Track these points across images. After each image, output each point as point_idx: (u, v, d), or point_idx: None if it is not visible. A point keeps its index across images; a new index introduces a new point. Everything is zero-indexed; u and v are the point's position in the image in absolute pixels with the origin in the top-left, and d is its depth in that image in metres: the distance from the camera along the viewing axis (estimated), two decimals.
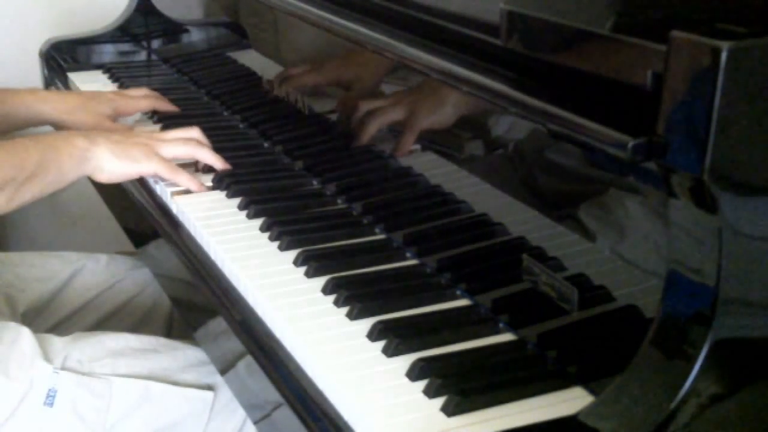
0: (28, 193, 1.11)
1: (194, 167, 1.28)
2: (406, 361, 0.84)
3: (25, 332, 1.11)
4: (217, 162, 1.24)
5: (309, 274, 1.00)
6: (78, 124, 1.36)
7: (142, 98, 1.47)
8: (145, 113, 1.49)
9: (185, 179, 1.20)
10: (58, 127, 1.38)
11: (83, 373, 1.10)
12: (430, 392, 0.79)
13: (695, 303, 0.68)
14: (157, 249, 1.24)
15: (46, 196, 1.14)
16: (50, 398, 1.07)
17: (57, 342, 1.13)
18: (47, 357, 1.09)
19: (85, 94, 1.50)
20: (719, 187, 0.64)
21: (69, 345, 1.13)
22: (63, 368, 1.09)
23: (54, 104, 1.38)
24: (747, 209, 0.66)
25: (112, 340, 1.17)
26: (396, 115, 1.07)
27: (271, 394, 0.87)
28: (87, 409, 1.09)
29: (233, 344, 0.96)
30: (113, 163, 1.17)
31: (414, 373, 0.82)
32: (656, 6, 0.75)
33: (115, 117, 1.42)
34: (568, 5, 0.79)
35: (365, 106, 1.12)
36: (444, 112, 0.99)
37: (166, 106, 1.49)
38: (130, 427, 1.11)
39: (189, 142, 1.23)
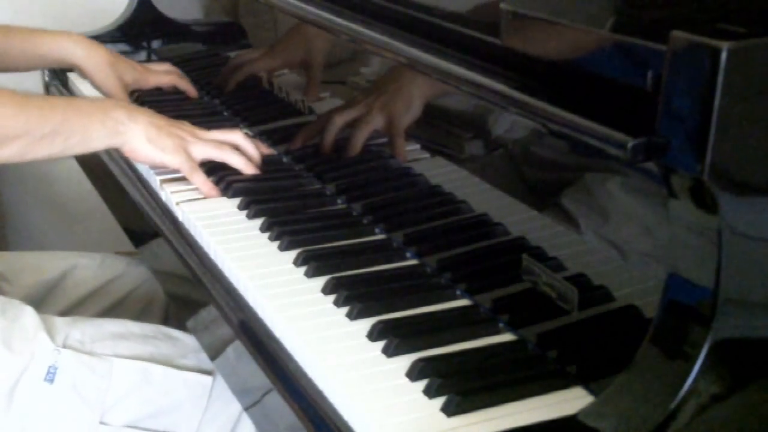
0: (45, 150, 1.13)
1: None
2: (406, 361, 0.84)
3: (28, 310, 1.12)
4: (247, 168, 1.23)
5: (309, 274, 1.00)
6: (98, 80, 1.47)
7: (164, 73, 1.53)
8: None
9: (199, 181, 1.21)
10: (81, 73, 1.50)
11: (84, 352, 1.10)
12: (430, 392, 0.79)
13: (695, 303, 0.68)
14: (157, 249, 1.24)
15: (67, 157, 1.19)
16: (50, 375, 1.08)
17: (58, 321, 1.14)
18: (50, 335, 1.10)
19: (114, 54, 1.54)
20: (719, 187, 0.64)
21: (70, 325, 1.14)
22: (65, 346, 1.10)
23: (86, 52, 1.47)
24: (747, 209, 0.66)
25: (113, 325, 1.18)
26: (375, 124, 1.09)
27: (260, 379, 0.87)
28: (87, 388, 1.09)
29: (223, 331, 0.96)
30: (143, 145, 1.19)
31: (414, 373, 0.82)
32: (656, 6, 0.75)
33: (135, 86, 1.52)
34: (568, 5, 0.79)
35: (340, 120, 1.16)
36: (416, 104, 1.02)
37: (186, 85, 1.54)
38: (129, 407, 1.11)
39: (223, 147, 1.23)
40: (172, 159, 1.20)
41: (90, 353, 1.11)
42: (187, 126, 1.25)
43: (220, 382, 1.14)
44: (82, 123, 1.15)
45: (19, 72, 1.49)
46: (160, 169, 1.25)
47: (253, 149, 1.25)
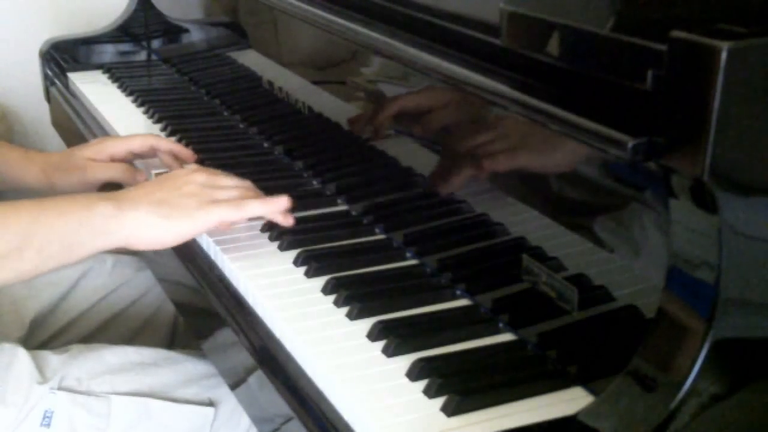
0: (11, 272, 0.91)
1: None
2: (406, 361, 0.84)
3: (21, 354, 1.09)
4: (279, 217, 1.04)
5: (309, 274, 1.00)
6: (66, 182, 1.23)
7: (133, 138, 1.27)
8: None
9: (258, 206, 1.01)
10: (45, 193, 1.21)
11: (81, 392, 1.08)
12: (430, 392, 0.79)
13: (695, 303, 0.68)
14: (157, 253, 1.24)
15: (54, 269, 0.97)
16: (47, 419, 1.05)
17: (54, 360, 1.11)
18: (44, 376, 1.08)
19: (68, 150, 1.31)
20: (719, 187, 0.64)
21: (67, 363, 1.11)
22: (60, 387, 1.07)
23: (40, 162, 1.26)
24: (747, 209, 0.66)
25: (112, 354, 1.15)
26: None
27: (281, 408, 0.86)
28: (85, 429, 1.07)
29: (243, 357, 0.95)
30: (160, 227, 0.97)
31: (414, 373, 0.82)
32: (656, 6, 0.75)
33: (125, 158, 1.27)
34: (568, 5, 0.79)
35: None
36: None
37: (166, 144, 1.28)
38: None
39: (240, 189, 1.03)
40: (207, 217, 0.98)
41: (87, 392, 1.08)
42: (190, 176, 1.03)
43: (222, 411, 1.13)
44: (58, 229, 0.93)
45: None
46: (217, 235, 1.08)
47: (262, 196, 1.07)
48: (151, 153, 1.27)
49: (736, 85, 0.61)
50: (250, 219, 1.07)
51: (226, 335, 0.99)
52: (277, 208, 1.03)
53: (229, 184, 1.04)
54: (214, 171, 1.06)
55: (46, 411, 1.06)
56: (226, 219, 1.00)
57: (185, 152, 1.27)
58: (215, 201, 0.99)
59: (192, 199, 0.99)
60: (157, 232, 0.97)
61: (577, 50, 0.75)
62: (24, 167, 1.26)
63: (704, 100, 0.62)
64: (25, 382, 1.07)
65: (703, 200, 0.65)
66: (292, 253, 1.04)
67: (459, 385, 0.80)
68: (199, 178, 1.02)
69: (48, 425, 1.05)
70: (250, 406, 0.98)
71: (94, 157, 1.25)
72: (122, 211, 0.96)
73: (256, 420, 0.97)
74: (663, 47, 0.64)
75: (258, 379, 0.91)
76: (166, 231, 0.98)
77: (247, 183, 1.07)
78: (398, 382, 0.82)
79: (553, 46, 0.77)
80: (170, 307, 1.42)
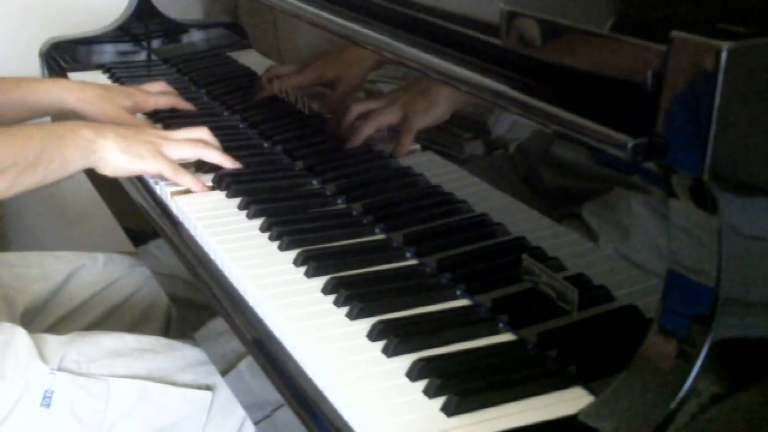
0: (29, 180, 1.12)
1: (194, 167, 1.28)
2: (406, 361, 0.84)
3: (20, 332, 1.10)
4: (226, 161, 1.24)
5: (309, 274, 1.00)
6: (98, 115, 1.38)
7: (161, 95, 1.49)
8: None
9: (188, 180, 1.20)
10: (79, 116, 1.39)
11: (80, 374, 1.09)
12: (430, 392, 0.79)
13: (695, 303, 0.68)
14: (157, 249, 1.24)
15: (49, 185, 1.16)
16: (47, 399, 1.06)
17: (53, 342, 1.12)
18: (43, 357, 1.09)
19: (105, 86, 1.49)
20: (719, 187, 0.64)
21: (66, 345, 1.12)
22: (60, 369, 1.09)
23: (77, 94, 1.40)
24: (747, 209, 0.66)
25: (110, 340, 1.16)
26: (390, 118, 1.07)
27: (272, 394, 0.87)
28: (84, 410, 1.08)
29: (234, 345, 0.95)
30: (118, 157, 1.17)
31: (414, 373, 0.82)
32: (656, 6, 0.75)
33: (134, 111, 1.43)
34: (568, 5, 0.80)
35: (358, 109, 1.13)
36: (437, 110, 1.00)
37: (183, 104, 1.49)
38: (128, 427, 1.10)
39: (196, 144, 1.23)
40: (152, 164, 1.19)
41: (86, 374, 1.09)
42: (154, 129, 1.24)
43: (220, 396, 1.13)
44: (59, 148, 1.14)
45: (6, 123, 1.39)
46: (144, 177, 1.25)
47: (219, 144, 1.26)
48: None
49: (736, 85, 0.62)
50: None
51: (224, 333, 0.99)
52: (196, 188, 1.21)
53: (180, 137, 1.24)
54: (168, 132, 1.27)
55: (45, 392, 1.07)
56: (163, 174, 1.20)
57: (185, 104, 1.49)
58: (162, 153, 1.20)
59: (146, 146, 1.19)
60: (116, 161, 1.18)
61: (576, 50, 0.75)
62: (62, 98, 1.41)
63: (704, 100, 0.62)
64: (23, 358, 1.08)
65: (703, 200, 0.65)
66: (292, 253, 1.04)
67: (459, 385, 0.80)
68: (153, 129, 1.28)
69: (48, 406, 1.07)
70: (245, 399, 0.99)
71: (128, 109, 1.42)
72: (100, 137, 1.17)
73: (250, 411, 0.97)
74: (663, 47, 0.64)
75: (257, 379, 0.91)
76: (121, 163, 1.18)
77: (199, 134, 1.26)
78: (398, 382, 0.82)
79: (553, 46, 0.77)
80: (162, 303, 1.43)
